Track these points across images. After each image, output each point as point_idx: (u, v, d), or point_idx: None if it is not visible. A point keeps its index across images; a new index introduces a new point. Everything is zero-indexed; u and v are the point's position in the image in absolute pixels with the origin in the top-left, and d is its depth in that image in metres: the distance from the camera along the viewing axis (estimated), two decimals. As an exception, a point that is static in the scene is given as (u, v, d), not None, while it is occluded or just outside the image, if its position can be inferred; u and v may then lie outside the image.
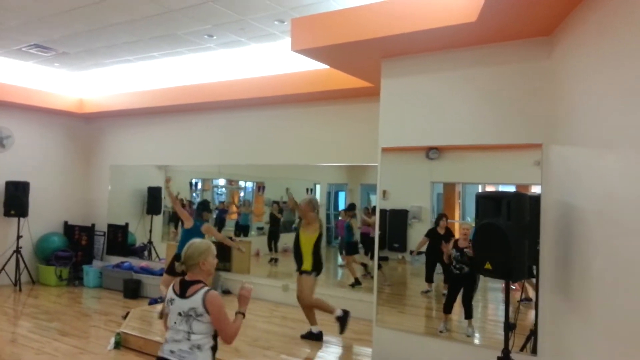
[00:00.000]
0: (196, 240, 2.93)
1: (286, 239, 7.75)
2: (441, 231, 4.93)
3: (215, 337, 2.84)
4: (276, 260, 8.12)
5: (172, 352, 2.77)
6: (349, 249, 7.13)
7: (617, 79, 2.62)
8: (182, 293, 2.79)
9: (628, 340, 2.40)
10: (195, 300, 2.74)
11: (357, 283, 6.85)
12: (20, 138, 8.71)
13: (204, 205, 6.60)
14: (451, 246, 4.71)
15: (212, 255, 2.89)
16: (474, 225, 4.67)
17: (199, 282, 2.82)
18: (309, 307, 5.48)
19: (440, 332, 4.58)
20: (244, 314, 2.92)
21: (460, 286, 4.64)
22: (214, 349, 2.84)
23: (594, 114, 2.92)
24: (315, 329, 5.51)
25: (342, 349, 5.44)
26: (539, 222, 3.88)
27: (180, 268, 2.88)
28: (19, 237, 8.27)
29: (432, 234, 4.98)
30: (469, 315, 4.55)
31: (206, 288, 2.79)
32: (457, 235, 4.87)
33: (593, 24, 3.00)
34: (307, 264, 5.45)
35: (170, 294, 2.85)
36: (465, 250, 4.59)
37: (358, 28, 4.39)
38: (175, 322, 2.78)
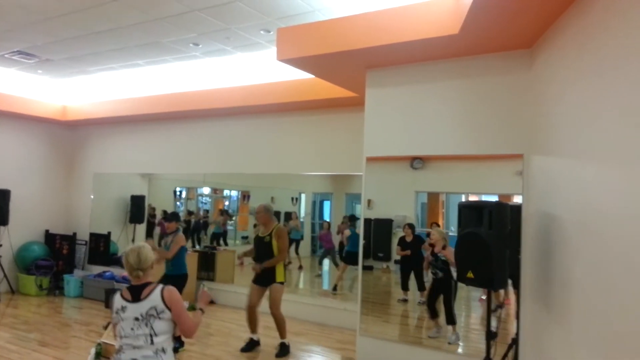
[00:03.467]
0: (141, 244, 2.93)
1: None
2: (408, 239, 5.08)
3: (175, 337, 2.85)
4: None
5: None
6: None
7: (596, 90, 2.68)
8: (135, 297, 2.75)
9: (606, 350, 2.43)
10: (153, 299, 2.74)
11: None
12: (1, 145, 8.58)
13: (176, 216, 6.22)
14: (429, 252, 4.78)
15: None
16: (436, 231, 4.86)
17: (150, 283, 2.83)
18: (280, 318, 5.37)
19: (430, 337, 4.63)
20: (203, 311, 3.02)
21: (437, 291, 4.70)
22: (176, 350, 2.85)
23: (574, 125, 2.98)
24: (287, 342, 5.45)
25: (325, 359, 5.43)
26: (520, 232, 3.94)
27: (135, 274, 2.80)
28: (-2, 245, 8.12)
29: (401, 242, 5.12)
30: (450, 321, 4.58)
31: (161, 285, 2.82)
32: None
33: (572, 36, 3.07)
34: (280, 275, 5.38)
35: (119, 302, 2.77)
36: (439, 255, 4.66)
37: (343, 38, 4.44)
38: (132, 329, 2.71)
